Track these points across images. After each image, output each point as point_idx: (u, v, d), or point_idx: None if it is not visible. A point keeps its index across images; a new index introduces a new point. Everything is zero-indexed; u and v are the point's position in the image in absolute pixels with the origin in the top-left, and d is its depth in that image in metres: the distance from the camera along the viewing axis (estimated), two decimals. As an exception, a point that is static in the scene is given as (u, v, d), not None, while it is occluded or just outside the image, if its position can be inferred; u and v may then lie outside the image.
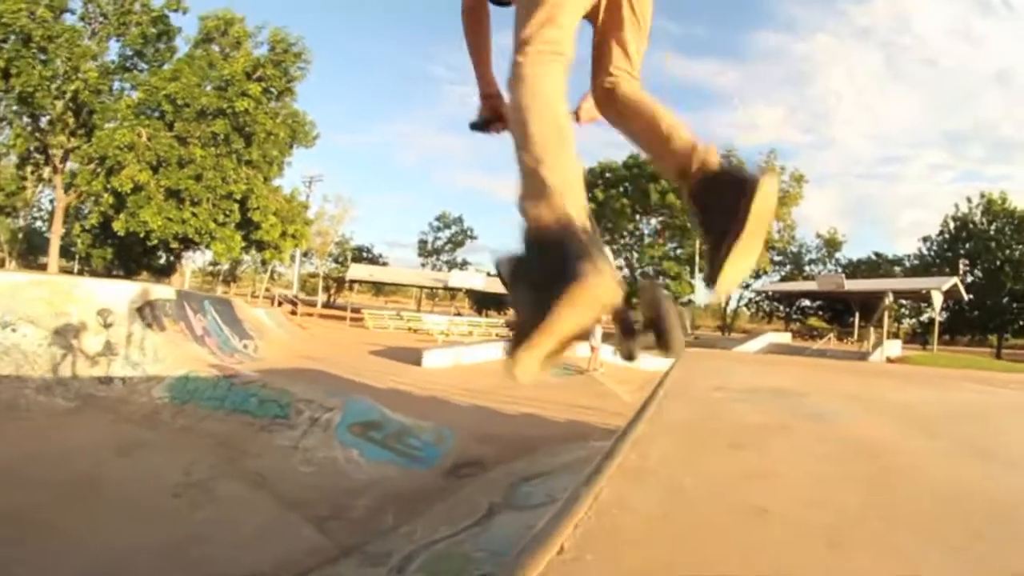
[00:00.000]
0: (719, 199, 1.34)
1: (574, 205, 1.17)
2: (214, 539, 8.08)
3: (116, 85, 26.47)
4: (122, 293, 16.37)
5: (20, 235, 36.80)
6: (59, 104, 24.51)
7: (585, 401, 15.29)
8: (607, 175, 46.82)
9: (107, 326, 15.18)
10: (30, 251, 32.86)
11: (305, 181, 45.02)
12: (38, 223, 32.73)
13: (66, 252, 29.91)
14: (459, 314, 41.89)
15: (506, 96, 1.42)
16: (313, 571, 7.21)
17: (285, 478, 10.00)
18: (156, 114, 25.52)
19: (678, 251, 46.43)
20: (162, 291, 18.31)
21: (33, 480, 9.50)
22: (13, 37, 21.62)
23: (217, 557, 7.62)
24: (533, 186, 1.19)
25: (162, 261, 32.04)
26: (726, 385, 4.60)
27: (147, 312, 16.21)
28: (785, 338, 39.92)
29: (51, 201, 28.58)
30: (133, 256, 30.35)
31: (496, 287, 38.55)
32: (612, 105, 1.65)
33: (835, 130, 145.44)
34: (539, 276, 1.13)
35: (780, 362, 12.65)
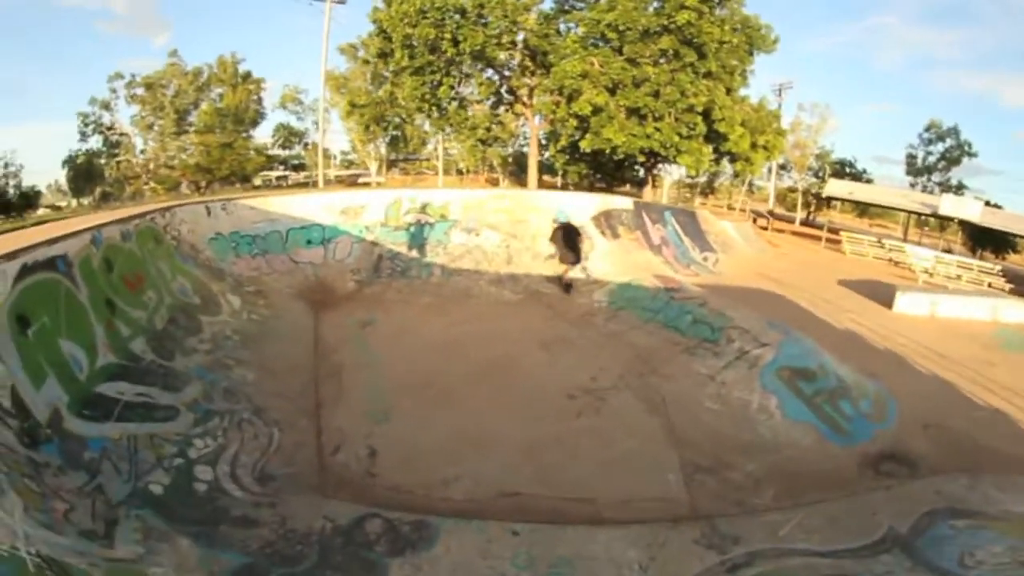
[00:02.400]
0: None
1: None
2: (578, 449, 8.18)
3: (562, 27, 28.97)
4: (579, 203, 18.03)
5: (509, 159, 44.72)
6: (510, 54, 28.71)
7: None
8: None
9: None
10: (521, 171, 39.85)
11: (774, 90, 40.78)
12: (524, 148, 39.24)
13: (551, 169, 35.15)
14: (949, 250, 32.02)
15: None
16: (647, 523, 6.38)
17: (686, 410, 9.37)
18: (603, 43, 27.12)
19: None
20: (620, 201, 19.38)
21: (460, 353, 11.54)
22: (451, 12, 26.14)
23: (565, 469, 7.65)
24: None
25: (640, 174, 34.53)
26: None
27: (602, 221, 17.40)
28: None
29: (525, 130, 33.61)
30: (607, 170, 33.71)
31: (997, 221, 29.94)
32: None
33: None
34: None
35: None
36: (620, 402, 9.73)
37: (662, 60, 25.99)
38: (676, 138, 25.71)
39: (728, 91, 27.09)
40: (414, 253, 17.17)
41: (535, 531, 6.20)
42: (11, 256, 5.86)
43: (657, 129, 25.60)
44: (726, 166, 33.55)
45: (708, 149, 27.39)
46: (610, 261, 16.11)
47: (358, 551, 5.72)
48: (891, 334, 12.59)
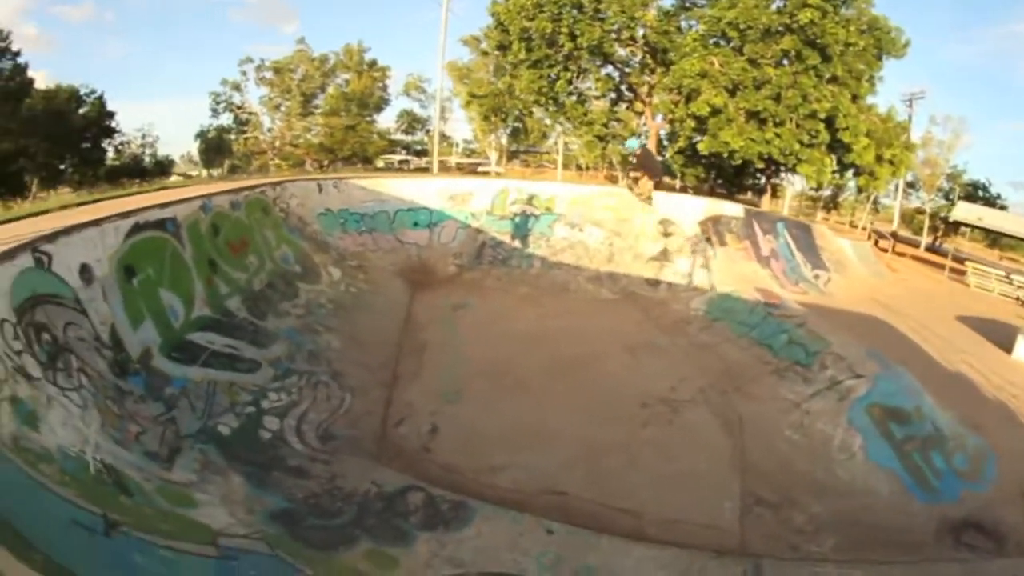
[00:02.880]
0: None
1: None
2: (637, 459, 8.02)
3: (683, 24, 27.92)
4: (688, 206, 17.60)
5: (630, 158, 43.40)
6: (631, 50, 28.13)
7: None
8: None
9: (666, 235, 16.77)
10: (666, 172, 38.92)
11: (904, 99, 36.95)
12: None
13: (670, 170, 34.21)
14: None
15: None
16: (688, 549, 6.19)
17: (762, 435, 8.89)
18: (724, 42, 25.91)
19: None
20: (730, 208, 18.69)
21: (544, 346, 11.59)
22: (567, 6, 25.85)
23: (619, 477, 7.54)
24: None
25: (761, 181, 32.85)
26: None
27: (710, 226, 16.93)
28: None
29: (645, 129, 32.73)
30: (726, 175, 32.23)
31: None
32: None
33: None
34: None
35: None
36: (694, 417, 9.42)
37: (784, 62, 24.59)
38: (796, 146, 24.23)
39: (854, 98, 25.11)
40: (517, 243, 17.55)
41: (571, 533, 6.17)
42: (126, 215, 6.80)
43: (777, 135, 24.22)
44: (849, 179, 31.15)
45: (830, 160, 25.60)
46: (714, 269, 15.62)
47: (392, 518, 6.03)
48: (1005, 383, 11.11)
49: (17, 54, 32.70)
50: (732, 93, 24.68)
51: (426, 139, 46.46)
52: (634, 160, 19.16)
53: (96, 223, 6.30)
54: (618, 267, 16.32)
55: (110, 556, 3.24)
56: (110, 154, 38.27)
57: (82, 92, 36.08)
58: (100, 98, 36.48)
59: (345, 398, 8.67)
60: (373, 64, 43.60)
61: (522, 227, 17.71)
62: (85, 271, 5.74)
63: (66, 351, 4.87)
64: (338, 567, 4.92)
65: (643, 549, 6.09)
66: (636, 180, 18.75)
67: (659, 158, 28.89)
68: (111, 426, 4.76)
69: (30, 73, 33.82)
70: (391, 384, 9.86)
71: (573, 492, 7.18)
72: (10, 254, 4.90)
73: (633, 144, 21.11)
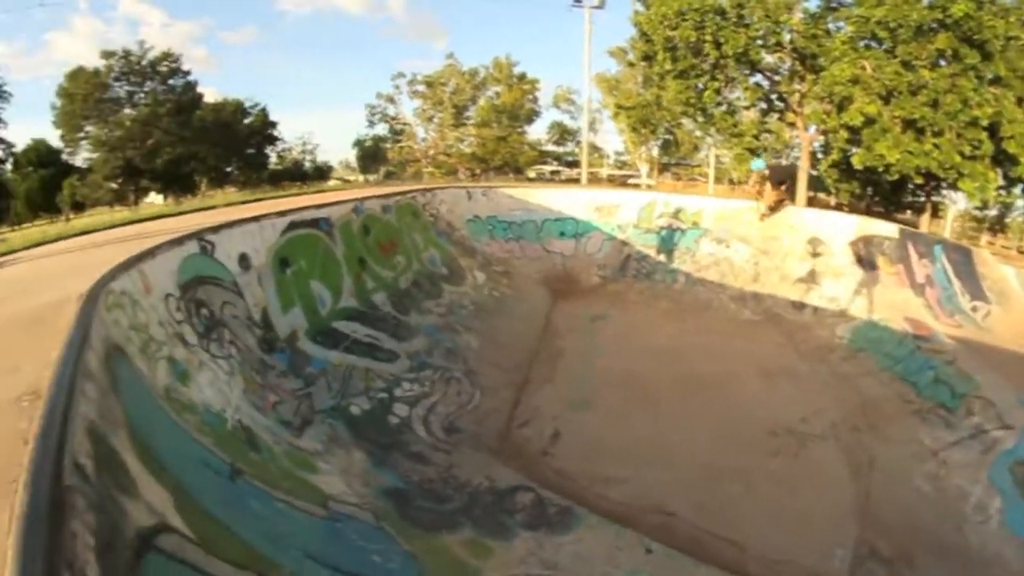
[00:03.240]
0: None
1: None
2: (755, 489, 7.57)
3: (831, 27, 25.26)
4: (837, 225, 16.16)
5: None
6: (779, 57, 25.83)
7: None
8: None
9: (815, 255, 15.47)
10: (792, 186, 35.92)
11: None
12: (798, 161, 35.25)
13: (823, 186, 31.36)
14: None
15: None
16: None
17: (890, 482, 7.92)
18: (875, 43, 23.12)
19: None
20: (883, 227, 16.88)
21: (679, 363, 11.29)
22: (710, 13, 24.26)
23: (731, 506, 7.14)
24: None
25: (920, 199, 28.87)
26: None
27: (860, 247, 15.47)
28: None
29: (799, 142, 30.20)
30: (882, 192, 28.61)
31: None
32: None
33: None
34: None
35: None
36: (822, 452, 8.65)
37: (940, 63, 21.47)
38: (957, 158, 20.77)
39: (1020, 101, 21.13)
40: (662, 257, 17.18)
41: (669, 556, 5.95)
42: (283, 214, 7.73)
43: (936, 146, 21.07)
44: (1017, 196, 26.40)
45: (994, 174, 21.70)
46: (863, 294, 14.18)
47: (499, 513, 6.18)
48: None
49: (188, 73, 39.03)
50: (886, 100, 22.03)
51: (577, 150, 46.93)
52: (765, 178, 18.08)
53: (256, 219, 7.27)
54: (763, 287, 15.32)
55: (229, 496, 3.72)
56: (272, 159, 43.25)
57: (247, 105, 41.70)
58: (263, 110, 41.89)
59: (475, 395, 9.02)
60: (523, 77, 44.88)
61: (668, 241, 17.28)
62: (244, 259, 6.65)
63: (220, 325, 5.66)
64: (435, 547, 5.15)
65: (740, 586, 5.63)
66: (761, 192, 17.63)
67: (812, 172, 26.86)
68: (252, 393, 5.42)
69: (200, 89, 39.88)
70: (522, 387, 10.08)
71: (682, 514, 6.89)
72: (179, 241, 5.87)
73: (758, 165, 19.87)
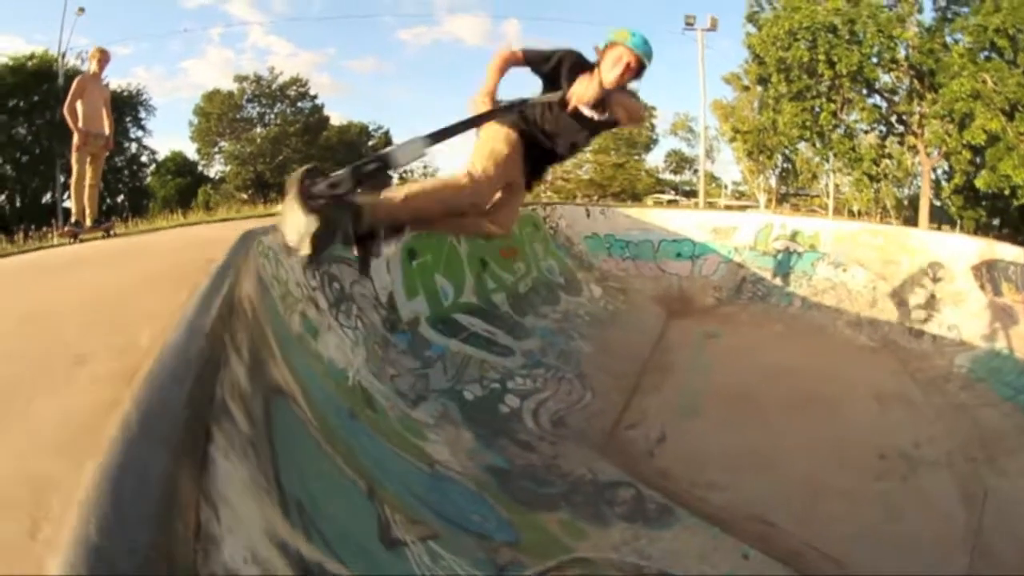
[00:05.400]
0: None
1: None
2: (859, 509, 6.74)
3: (948, 40, 22.28)
4: (960, 249, 14.40)
5: (905, 202, 36.30)
6: (896, 76, 23.78)
7: None
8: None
9: (935, 280, 13.90)
10: (916, 215, 31.71)
11: None
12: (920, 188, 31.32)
13: (948, 216, 27.79)
14: None
15: None
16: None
17: (1006, 516, 6.70)
18: (995, 54, 20.37)
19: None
20: (1009, 252, 14.77)
21: (790, 382, 10.40)
22: (821, 31, 22.69)
23: (833, 522, 6.40)
24: None
25: None
26: None
27: (983, 272, 13.64)
28: None
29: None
30: (1010, 219, 24.77)
31: None
32: None
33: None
34: None
35: None
36: (933, 480, 7.58)
37: None
38: None
39: None
40: (777, 280, 16.16)
41: (764, 563, 5.43)
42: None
43: None
44: None
45: None
46: (986, 322, 12.43)
47: (598, 503, 5.96)
48: None
49: (315, 97, 42.04)
50: (1010, 116, 19.40)
51: (694, 179, 45.46)
52: None
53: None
54: (881, 313, 13.87)
55: (346, 424, 3.85)
56: (395, 181, 45.52)
57: (371, 128, 43.82)
58: (386, 132, 44.16)
59: (585, 395, 8.87)
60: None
61: (784, 264, 16.21)
62: (374, 247, 7.00)
63: (349, 300, 5.96)
64: (532, 522, 5.04)
65: (837, 602, 5.03)
66: None
67: (935, 201, 24.12)
68: (373, 364, 5.64)
69: (326, 112, 42.36)
70: (631, 392, 9.79)
71: (782, 526, 6.28)
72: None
73: None
